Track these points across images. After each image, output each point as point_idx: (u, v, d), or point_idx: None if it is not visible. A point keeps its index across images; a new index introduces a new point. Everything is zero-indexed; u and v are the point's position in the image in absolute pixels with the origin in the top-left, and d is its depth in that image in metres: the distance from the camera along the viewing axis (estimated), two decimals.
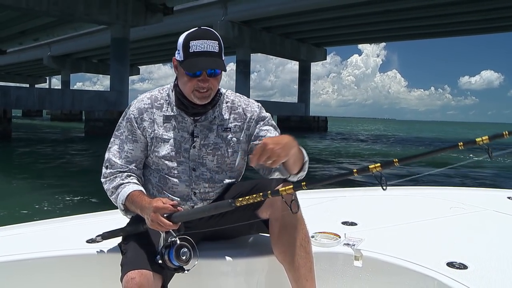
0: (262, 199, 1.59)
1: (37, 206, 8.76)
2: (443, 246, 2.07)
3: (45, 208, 8.69)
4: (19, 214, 7.92)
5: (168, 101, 1.94)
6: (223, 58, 1.84)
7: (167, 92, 1.96)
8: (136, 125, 1.91)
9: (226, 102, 1.98)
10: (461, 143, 1.54)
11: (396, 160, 1.52)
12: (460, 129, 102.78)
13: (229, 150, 1.94)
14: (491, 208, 2.67)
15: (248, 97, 2.06)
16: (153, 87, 2.02)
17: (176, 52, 1.85)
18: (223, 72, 1.84)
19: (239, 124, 1.97)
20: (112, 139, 1.95)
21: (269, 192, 1.58)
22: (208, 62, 1.77)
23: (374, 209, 2.70)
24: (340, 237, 2.09)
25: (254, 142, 1.95)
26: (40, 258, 1.92)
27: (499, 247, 2.09)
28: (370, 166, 1.47)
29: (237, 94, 2.04)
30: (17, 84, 74.75)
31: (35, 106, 30.38)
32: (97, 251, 1.94)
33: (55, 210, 8.55)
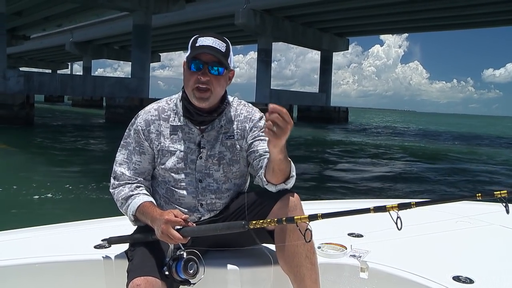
0: (277, 224, 1.64)
1: (59, 193, 8.90)
2: (449, 260, 2.06)
3: (67, 196, 8.83)
4: (39, 201, 8.07)
5: (175, 111, 1.93)
6: (229, 62, 1.82)
7: (174, 102, 1.96)
8: (143, 137, 1.91)
9: (232, 111, 1.97)
10: (479, 194, 1.64)
11: (414, 203, 1.61)
12: (478, 123, 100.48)
13: (233, 158, 1.94)
14: (497, 223, 2.64)
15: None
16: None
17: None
18: (235, 71, 1.84)
19: (241, 131, 1.95)
20: (119, 148, 1.96)
21: (284, 219, 1.62)
22: (211, 54, 1.77)
23: (381, 221, 2.69)
24: (346, 249, 2.09)
25: (250, 150, 1.93)
26: (47, 262, 1.95)
27: (506, 262, 2.08)
28: (387, 206, 1.57)
29: (242, 102, 2.03)
30: (40, 70, 75.62)
31: (57, 92, 30.77)
32: (103, 257, 1.96)
33: (75, 199, 8.69)
